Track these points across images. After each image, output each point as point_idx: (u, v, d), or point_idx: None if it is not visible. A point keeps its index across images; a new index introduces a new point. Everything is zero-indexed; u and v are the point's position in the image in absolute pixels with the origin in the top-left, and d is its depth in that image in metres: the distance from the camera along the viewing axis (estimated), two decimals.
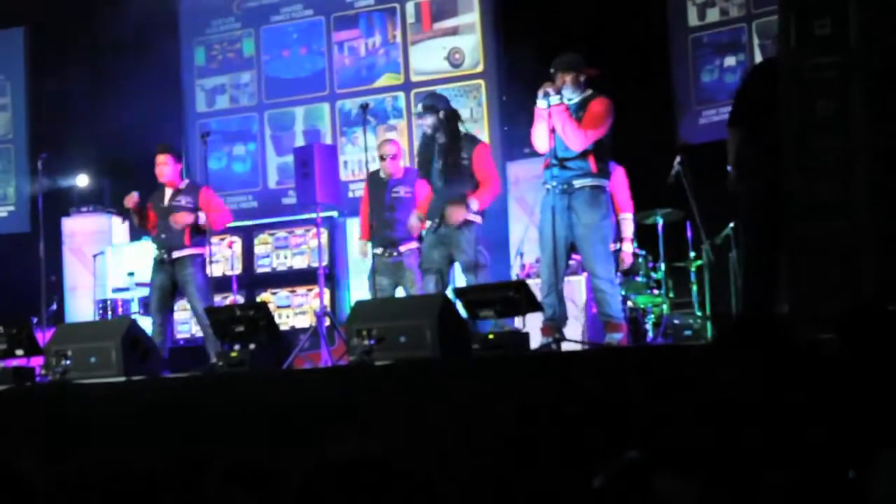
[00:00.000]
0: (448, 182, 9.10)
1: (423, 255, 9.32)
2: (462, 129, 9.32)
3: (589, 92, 8.73)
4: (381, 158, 10.03)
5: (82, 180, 13.88)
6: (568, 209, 8.59)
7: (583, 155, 8.61)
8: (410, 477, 2.79)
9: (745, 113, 7.54)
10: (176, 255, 10.19)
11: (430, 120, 9.21)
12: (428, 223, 9.19)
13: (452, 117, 9.30)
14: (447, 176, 9.11)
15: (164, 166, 10.39)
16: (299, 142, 13.61)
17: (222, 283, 11.56)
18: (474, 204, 9.01)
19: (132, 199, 10.28)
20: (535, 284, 8.82)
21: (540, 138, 8.72)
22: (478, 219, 9.12)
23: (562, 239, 8.57)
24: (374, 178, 10.11)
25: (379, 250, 9.83)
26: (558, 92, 8.64)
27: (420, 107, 9.37)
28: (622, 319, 8.82)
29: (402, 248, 9.79)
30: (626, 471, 3.46)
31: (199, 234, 10.30)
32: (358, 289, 10.80)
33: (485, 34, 13.07)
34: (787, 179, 6.77)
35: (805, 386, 5.16)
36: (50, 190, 10.68)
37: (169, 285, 10.28)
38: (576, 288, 9.92)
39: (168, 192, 10.37)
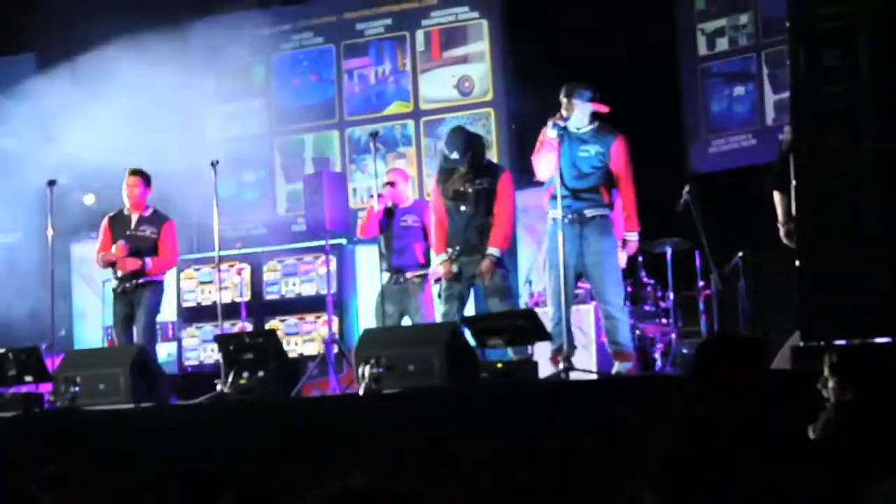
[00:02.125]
0: (472, 209, 9.24)
1: (443, 284, 9.34)
2: (485, 158, 9.57)
3: (596, 123, 8.83)
4: (386, 185, 10.16)
5: (89, 199, 13.87)
6: (579, 238, 8.63)
7: (595, 188, 8.68)
8: None
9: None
10: (138, 281, 10.11)
11: (457, 155, 9.30)
12: (448, 250, 9.28)
13: (480, 149, 9.49)
14: (468, 203, 9.24)
15: (135, 188, 10.27)
16: (309, 169, 13.63)
17: (231, 310, 11.54)
18: (497, 252, 9.14)
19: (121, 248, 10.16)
20: (543, 313, 8.83)
21: (544, 167, 8.75)
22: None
23: (570, 268, 8.60)
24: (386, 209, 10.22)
25: (386, 276, 9.90)
26: (565, 120, 8.69)
27: (456, 151, 9.35)
28: (631, 349, 8.84)
29: (409, 275, 9.84)
30: None
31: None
32: (366, 316, 10.78)
33: (494, 63, 13.10)
34: (799, 208, 6.78)
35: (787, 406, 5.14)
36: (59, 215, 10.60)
37: (129, 314, 10.17)
38: (584, 317, 9.91)
39: (133, 217, 10.28)
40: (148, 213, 10.33)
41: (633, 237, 8.85)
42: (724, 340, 6.38)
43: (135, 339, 10.06)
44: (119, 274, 10.19)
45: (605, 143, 8.77)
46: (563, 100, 8.77)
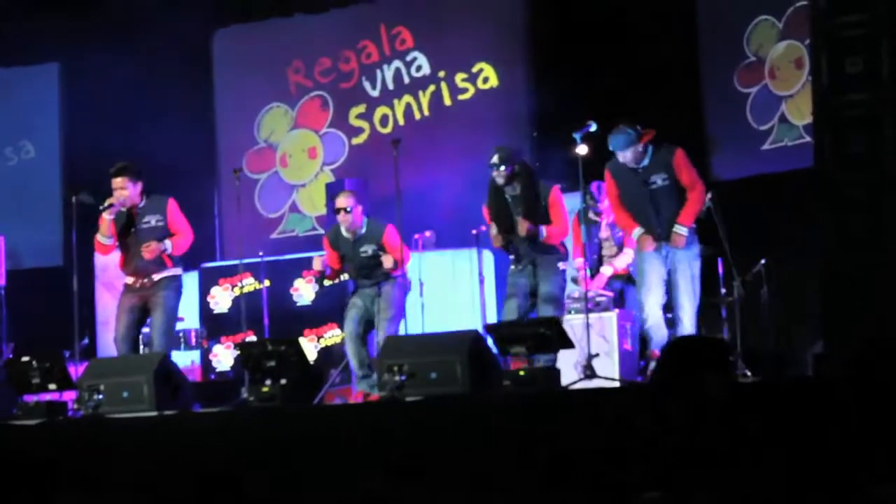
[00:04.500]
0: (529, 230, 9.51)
1: (509, 282, 9.67)
2: (536, 176, 9.76)
3: (651, 148, 9.17)
4: (338, 212, 10.16)
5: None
6: (664, 257, 9.16)
7: (676, 213, 9.09)
8: None
9: None
10: (157, 277, 9.81)
11: (506, 171, 9.53)
12: (512, 267, 9.68)
13: (526, 169, 9.68)
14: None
15: (123, 191, 9.82)
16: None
17: (253, 319, 11.55)
18: (542, 231, 9.45)
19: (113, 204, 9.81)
20: (566, 321, 8.85)
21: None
22: (563, 265, 9.67)
23: (660, 285, 9.15)
24: (336, 236, 10.29)
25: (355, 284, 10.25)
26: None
27: (496, 158, 9.57)
28: None
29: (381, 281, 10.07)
30: None
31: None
32: None
33: (514, 66, 13.08)
34: (823, 216, 6.78)
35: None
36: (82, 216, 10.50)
37: (139, 309, 9.87)
38: (607, 324, 9.89)
39: (134, 213, 9.90)
40: (145, 202, 9.92)
41: (681, 231, 9.03)
42: (678, 344, 6.32)
43: (153, 341, 9.85)
44: (137, 267, 9.85)
45: (666, 165, 9.10)
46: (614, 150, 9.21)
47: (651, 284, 9.11)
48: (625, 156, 9.11)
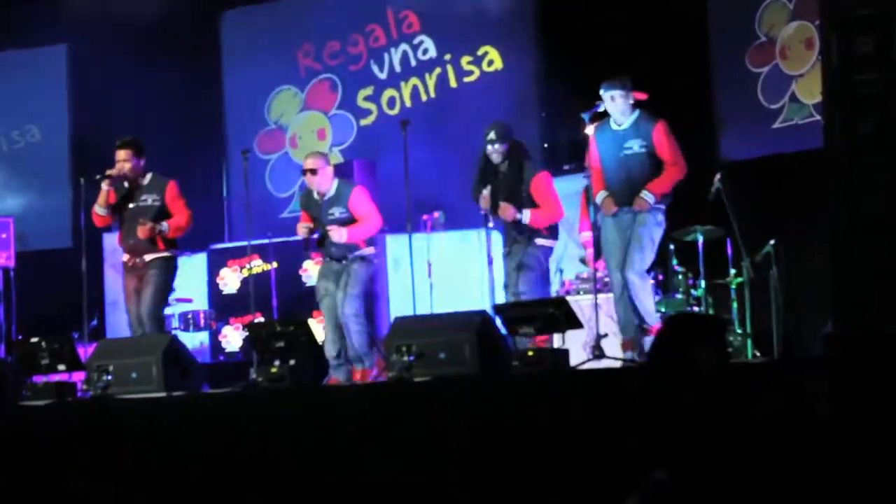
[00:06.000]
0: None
1: (505, 275, 9.58)
2: (526, 159, 9.61)
3: (637, 113, 9.01)
4: (306, 173, 9.93)
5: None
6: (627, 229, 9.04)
7: (648, 180, 8.96)
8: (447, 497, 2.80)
9: None
10: (148, 258, 9.86)
11: (501, 148, 9.46)
12: (503, 250, 9.62)
13: (519, 148, 9.57)
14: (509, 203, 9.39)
15: (125, 163, 9.86)
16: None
17: (262, 300, 11.56)
18: (526, 215, 9.31)
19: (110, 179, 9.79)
20: (574, 301, 8.84)
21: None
22: (548, 242, 9.53)
23: (618, 257, 9.01)
24: (308, 199, 10.11)
25: (326, 259, 9.96)
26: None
27: (493, 134, 9.48)
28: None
29: (350, 257, 9.84)
30: (654, 493, 3.44)
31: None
32: (397, 304, 10.79)
33: (522, 48, 13.11)
34: (833, 196, 6.76)
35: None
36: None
37: (140, 288, 9.89)
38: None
39: (133, 189, 9.93)
40: (146, 180, 9.94)
41: (647, 196, 8.90)
42: (671, 320, 6.26)
43: (141, 320, 9.83)
44: (130, 245, 9.89)
45: (646, 134, 8.96)
46: (604, 93, 9.02)
47: (612, 254, 9.02)
48: (611, 96, 8.96)
